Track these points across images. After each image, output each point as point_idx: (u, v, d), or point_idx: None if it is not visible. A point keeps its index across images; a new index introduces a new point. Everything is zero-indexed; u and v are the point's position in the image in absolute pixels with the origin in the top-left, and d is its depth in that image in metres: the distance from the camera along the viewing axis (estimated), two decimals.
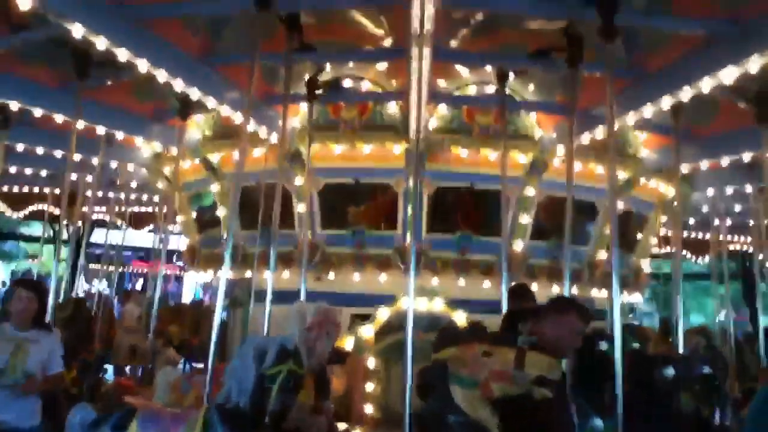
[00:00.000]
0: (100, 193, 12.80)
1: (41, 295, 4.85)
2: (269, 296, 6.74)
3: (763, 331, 9.60)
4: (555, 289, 8.11)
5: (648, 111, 6.71)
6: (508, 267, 7.60)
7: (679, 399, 4.55)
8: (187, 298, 26.38)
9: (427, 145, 8.00)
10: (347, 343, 7.31)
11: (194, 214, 10.29)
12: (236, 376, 4.32)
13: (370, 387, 7.18)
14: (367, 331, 7.51)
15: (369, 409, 7.03)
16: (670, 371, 4.40)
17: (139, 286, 27.71)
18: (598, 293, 8.99)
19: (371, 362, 7.23)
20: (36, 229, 22.15)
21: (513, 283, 6.95)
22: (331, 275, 8.46)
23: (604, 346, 5.02)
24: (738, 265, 17.72)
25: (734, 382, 9.00)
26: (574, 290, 8.30)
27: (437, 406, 3.12)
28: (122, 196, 13.06)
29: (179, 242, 15.68)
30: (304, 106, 8.16)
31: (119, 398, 5.61)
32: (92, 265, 22.25)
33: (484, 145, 8.20)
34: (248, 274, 8.97)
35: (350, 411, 6.94)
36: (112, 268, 15.49)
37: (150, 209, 14.97)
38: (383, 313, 7.93)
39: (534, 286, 8.23)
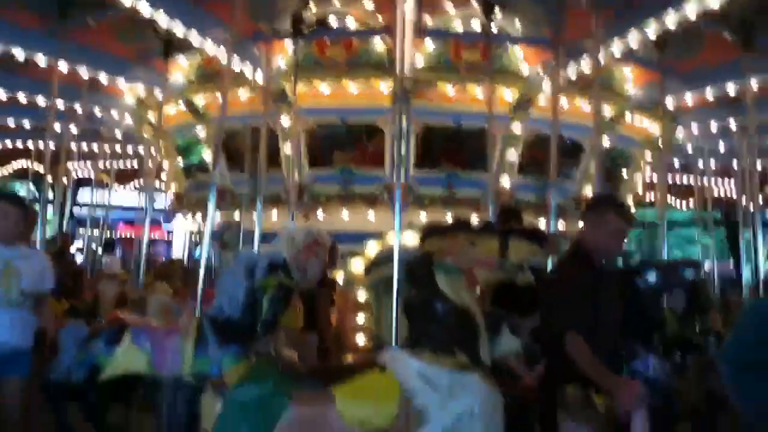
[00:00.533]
0: (84, 147, 12.74)
1: (25, 209, 4.47)
2: (257, 237, 6.77)
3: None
4: (541, 223, 8.18)
5: (633, 39, 6.71)
6: (495, 203, 7.70)
7: (662, 308, 4.64)
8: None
9: (413, 83, 7.99)
10: (338, 278, 7.42)
11: (181, 161, 10.26)
12: (227, 290, 4.36)
13: (360, 319, 7.31)
14: (357, 266, 7.61)
15: (360, 339, 7.16)
16: (653, 278, 4.46)
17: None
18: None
19: (361, 295, 7.35)
20: (19, 190, 21.96)
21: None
22: (320, 214, 8.50)
23: None
24: (722, 212, 17.84)
25: (718, 316, 9.19)
26: (561, 225, 8.42)
27: (424, 294, 3.18)
28: (107, 148, 12.95)
29: (166, 201, 15.61)
30: (289, 46, 8.11)
31: None
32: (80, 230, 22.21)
33: (471, 81, 8.20)
34: (237, 216, 9.02)
35: (342, 342, 7.07)
36: (97, 232, 15.31)
37: (135, 163, 14.84)
38: (372, 248, 8.04)
39: None
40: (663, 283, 4.45)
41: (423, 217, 8.29)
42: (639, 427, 2.79)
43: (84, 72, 8.49)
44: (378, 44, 8.28)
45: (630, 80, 9.10)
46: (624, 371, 3.73)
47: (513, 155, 8.62)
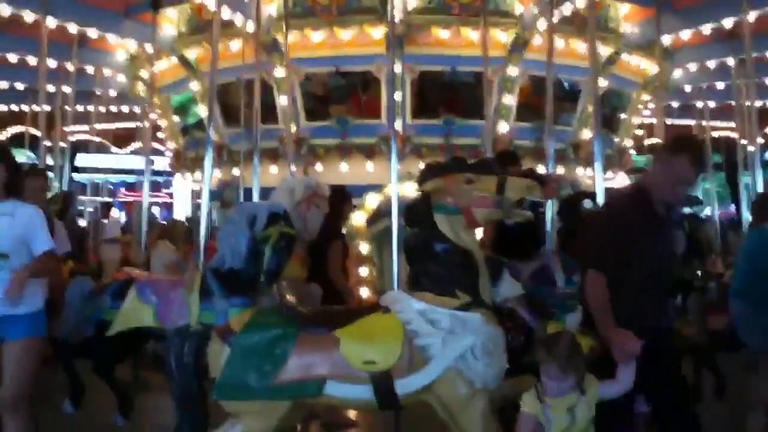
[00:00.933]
0: (80, 109, 12.58)
1: (8, 159, 3.82)
2: (256, 193, 6.74)
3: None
4: (540, 170, 8.16)
5: None
6: (493, 149, 7.66)
7: None
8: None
9: (407, 28, 7.88)
10: None
11: (177, 118, 10.18)
12: (229, 241, 4.35)
13: (364, 271, 7.32)
14: (358, 218, 7.60)
15: (364, 292, 7.18)
16: None
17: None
18: (583, 172, 9.10)
19: (363, 248, 7.35)
20: (17, 157, 21.73)
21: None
22: (318, 167, 8.48)
23: (588, 204, 5.12)
24: (721, 155, 17.71)
25: (718, 259, 9.23)
26: (560, 170, 8.40)
27: (423, 235, 3.19)
28: (102, 109, 12.81)
29: (165, 162, 15.48)
30: None
31: None
32: (81, 197, 22.11)
33: (465, 24, 8.06)
34: (235, 172, 9.00)
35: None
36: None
37: (132, 125, 14.73)
38: (372, 200, 8.03)
39: None
40: None
41: (421, 166, 8.26)
42: (625, 379, 2.80)
43: (73, 28, 8.31)
44: None
45: (626, 18, 8.96)
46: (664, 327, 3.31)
47: (510, 100, 8.55)
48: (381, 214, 7.45)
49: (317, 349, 3.08)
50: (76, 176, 20.45)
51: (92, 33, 8.66)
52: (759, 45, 7.96)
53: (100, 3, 8.43)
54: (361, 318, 3.19)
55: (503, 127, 8.56)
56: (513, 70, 8.39)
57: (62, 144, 11.62)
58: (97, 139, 14.71)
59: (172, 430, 4.02)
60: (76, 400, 5.15)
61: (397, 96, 7.79)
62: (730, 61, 9.31)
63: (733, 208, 18.30)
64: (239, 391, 3.06)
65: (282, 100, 8.49)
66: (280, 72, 8.34)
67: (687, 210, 4.50)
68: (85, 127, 14.27)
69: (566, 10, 7.62)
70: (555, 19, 6.91)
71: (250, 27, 7.96)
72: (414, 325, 3.03)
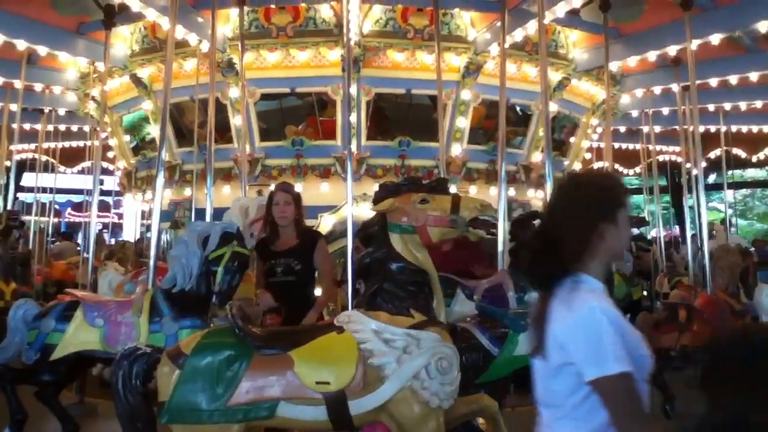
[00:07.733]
0: (26, 127, 12.26)
1: None
2: (209, 214, 6.66)
3: (690, 238, 9.98)
4: (492, 191, 8.28)
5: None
6: (447, 171, 7.77)
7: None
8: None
9: (362, 50, 7.95)
10: None
11: (128, 137, 10.02)
12: (180, 261, 4.30)
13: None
14: None
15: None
16: None
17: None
18: (533, 194, 9.26)
19: None
20: None
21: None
22: (272, 188, 8.40)
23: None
24: (667, 178, 18.22)
25: (664, 278, 9.48)
26: (511, 192, 8.55)
27: (379, 255, 3.19)
28: (50, 128, 12.47)
29: (115, 182, 15.14)
30: (234, 13, 7.95)
31: None
32: (25, 217, 21.35)
33: (420, 48, 8.18)
34: (187, 192, 8.88)
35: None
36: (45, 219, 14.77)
37: (81, 143, 14.39)
38: (327, 221, 8.02)
39: (473, 189, 8.48)
40: None
41: (376, 188, 8.28)
42: None
43: (22, 45, 8.10)
44: (325, 10, 8.14)
45: (575, 44, 9.21)
46: None
47: (463, 123, 8.68)
48: (336, 235, 7.43)
49: (271, 370, 3.02)
50: (22, 196, 19.88)
51: (42, 51, 8.42)
52: (702, 72, 8.26)
53: (51, 20, 8.22)
54: (316, 338, 3.16)
55: (456, 150, 8.67)
56: (466, 94, 8.53)
57: (7, 163, 11.27)
58: (45, 158, 14.26)
59: None
60: (17, 428, 4.93)
61: (353, 117, 7.83)
62: (675, 88, 9.61)
63: (677, 229, 18.81)
64: (189, 414, 2.97)
65: (236, 120, 8.44)
66: (234, 92, 8.30)
67: (635, 231, 4.58)
68: (32, 146, 13.88)
69: (518, 35, 7.79)
70: (507, 45, 7.09)
71: (205, 47, 7.90)
72: (369, 345, 3.02)
